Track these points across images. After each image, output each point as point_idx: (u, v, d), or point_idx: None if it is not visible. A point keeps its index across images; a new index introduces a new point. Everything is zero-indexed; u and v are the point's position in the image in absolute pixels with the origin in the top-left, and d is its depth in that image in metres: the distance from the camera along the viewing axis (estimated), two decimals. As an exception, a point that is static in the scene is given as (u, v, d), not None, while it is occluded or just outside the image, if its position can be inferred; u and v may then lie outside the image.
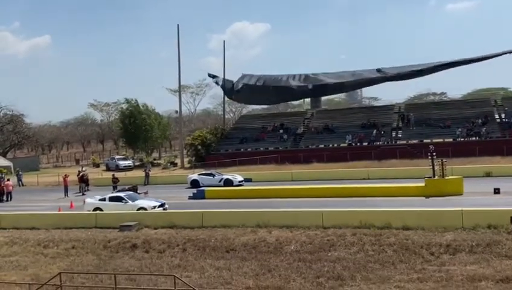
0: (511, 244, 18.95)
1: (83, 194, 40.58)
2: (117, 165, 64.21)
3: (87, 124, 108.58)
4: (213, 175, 42.05)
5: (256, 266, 19.17)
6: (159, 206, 29.44)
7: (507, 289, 15.58)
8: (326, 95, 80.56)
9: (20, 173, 52.42)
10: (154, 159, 71.81)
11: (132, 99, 72.67)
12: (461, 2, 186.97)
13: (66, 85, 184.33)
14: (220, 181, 40.81)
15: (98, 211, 29.05)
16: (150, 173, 48.50)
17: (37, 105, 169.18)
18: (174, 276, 15.73)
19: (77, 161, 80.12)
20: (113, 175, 43.47)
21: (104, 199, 30.53)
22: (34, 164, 71.42)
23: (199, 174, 43.03)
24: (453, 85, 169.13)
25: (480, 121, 55.78)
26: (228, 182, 40.54)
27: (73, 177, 44.41)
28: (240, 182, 40.83)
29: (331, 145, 58.83)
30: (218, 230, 23.87)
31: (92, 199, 31.50)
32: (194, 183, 41.29)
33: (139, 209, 28.75)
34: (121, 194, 30.75)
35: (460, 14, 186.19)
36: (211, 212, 26.56)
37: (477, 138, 53.48)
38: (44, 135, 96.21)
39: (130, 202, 29.61)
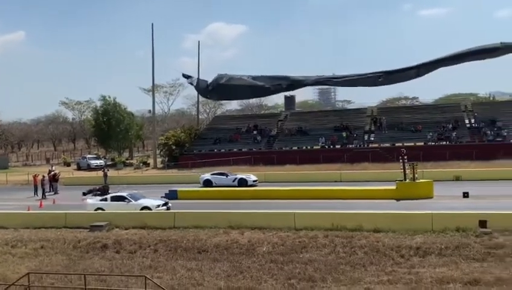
0: (479, 247, 19.28)
1: (55, 193, 40.59)
2: (88, 165, 63.67)
3: (58, 122, 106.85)
4: (226, 175, 41.00)
5: (228, 267, 19.13)
6: (163, 205, 29.09)
7: (474, 291, 15.85)
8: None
9: (-11, 171, 51.45)
10: (126, 159, 71.14)
11: (109, 97, 71.90)
12: (434, 9, 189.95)
13: (37, 82, 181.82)
14: (233, 181, 39.89)
15: (99, 210, 28.59)
16: (108, 173, 47.78)
17: (7, 102, 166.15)
18: (145, 277, 15.61)
19: (47, 160, 78.90)
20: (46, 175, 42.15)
21: (105, 199, 29.95)
22: (3, 162, 70.07)
23: (212, 174, 41.69)
24: (425, 90, 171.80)
25: (450, 125, 56.66)
26: (242, 182, 39.66)
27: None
28: (254, 181, 39.95)
29: (304, 148, 59.23)
30: (190, 231, 23.80)
31: (92, 200, 30.94)
32: (207, 183, 40.44)
33: (142, 208, 28.37)
34: (124, 194, 30.03)
35: (433, 20, 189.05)
36: (183, 213, 26.44)
37: (447, 142, 54.33)
38: (14, 133, 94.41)
39: (133, 201, 29.09)
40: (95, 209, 29.03)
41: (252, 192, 35.19)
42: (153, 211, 27.99)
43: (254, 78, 66.41)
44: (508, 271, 17.05)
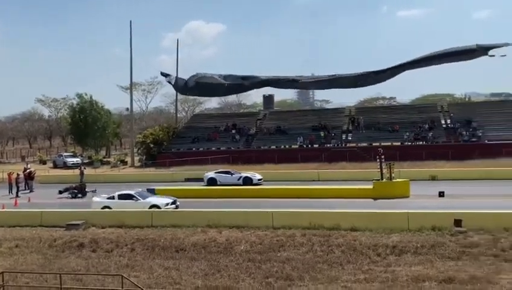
0: (454, 246, 19.55)
1: (31, 191, 39.99)
2: (65, 163, 62.91)
3: (34, 119, 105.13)
4: (231, 173, 40.17)
5: (206, 266, 19.12)
6: (171, 203, 28.62)
7: (449, 289, 16.05)
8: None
9: (-38, 168, 50.52)
10: (104, 157, 70.46)
11: (86, 94, 71.14)
12: (411, 10, 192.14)
13: (13, 79, 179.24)
14: (238, 179, 39.08)
15: (106, 209, 28.02)
16: (84, 171, 47.10)
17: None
18: (122, 276, 15.50)
19: (23, 158, 77.73)
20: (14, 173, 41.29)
21: (112, 197, 29.12)
22: (-24, 160, 68.98)
23: (216, 172, 40.73)
24: (402, 90, 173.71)
25: (427, 125, 57.27)
26: (247, 180, 38.92)
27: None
28: (259, 180, 39.23)
29: (282, 147, 59.32)
30: (168, 230, 23.72)
31: (99, 198, 30.14)
32: (211, 182, 39.64)
33: (151, 207, 27.81)
34: (131, 192, 29.30)
35: (410, 21, 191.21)
36: (161, 212, 26.35)
37: (423, 142, 54.86)
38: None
39: (141, 199, 28.49)
40: (102, 208, 28.37)
41: (233, 191, 34.71)
42: (134, 209, 27.33)
43: (225, 77, 66.43)
44: (482, 270, 17.33)
